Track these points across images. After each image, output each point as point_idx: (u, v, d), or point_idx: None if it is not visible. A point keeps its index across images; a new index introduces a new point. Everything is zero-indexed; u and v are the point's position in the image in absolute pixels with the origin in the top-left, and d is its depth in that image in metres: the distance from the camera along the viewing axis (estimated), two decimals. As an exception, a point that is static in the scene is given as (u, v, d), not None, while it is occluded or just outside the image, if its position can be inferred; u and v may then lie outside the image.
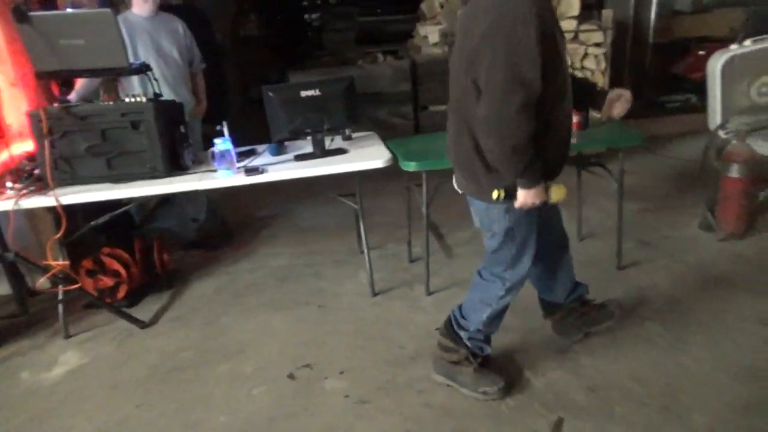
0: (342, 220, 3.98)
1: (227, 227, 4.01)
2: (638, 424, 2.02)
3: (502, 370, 2.31)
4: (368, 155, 2.93)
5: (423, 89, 5.47)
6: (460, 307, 2.30)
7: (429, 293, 3.06)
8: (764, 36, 3.65)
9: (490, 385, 2.21)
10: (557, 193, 1.97)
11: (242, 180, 2.78)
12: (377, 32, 9.76)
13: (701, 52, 6.25)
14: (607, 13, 4.75)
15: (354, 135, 3.30)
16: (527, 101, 1.73)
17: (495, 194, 1.94)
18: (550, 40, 1.74)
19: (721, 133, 3.57)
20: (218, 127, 2.85)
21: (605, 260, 3.23)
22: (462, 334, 2.26)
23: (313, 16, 13.00)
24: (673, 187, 4.30)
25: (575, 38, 4.67)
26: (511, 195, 1.93)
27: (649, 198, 4.10)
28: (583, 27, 4.64)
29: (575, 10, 4.70)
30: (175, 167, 2.85)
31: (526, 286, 2.29)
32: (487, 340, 2.29)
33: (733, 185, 3.29)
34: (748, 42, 3.64)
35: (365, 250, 3.10)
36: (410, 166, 2.80)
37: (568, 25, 4.59)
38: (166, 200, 3.74)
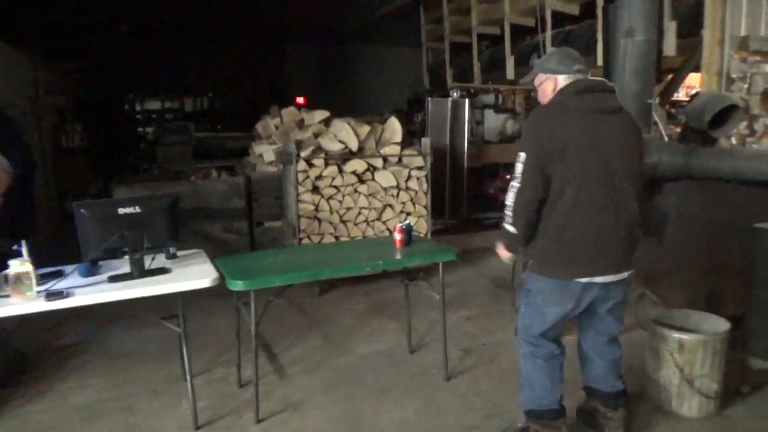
0: (163, 344, 3.65)
1: (22, 359, 3.46)
2: None
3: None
4: (193, 274, 2.80)
5: (258, 205, 5.51)
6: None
7: (258, 421, 2.86)
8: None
9: None
10: None
11: (41, 306, 2.46)
12: (215, 148, 9.82)
13: (509, 176, 7.20)
14: (426, 141, 5.30)
15: (180, 253, 3.14)
16: None
17: None
18: None
19: (525, 247, 4.04)
20: (15, 247, 2.55)
21: (434, 371, 3.34)
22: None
23: (149, 129, 12.81)
24: (489, 296, 4.70)
25: (399, 162, 5.10)
26: None
27: (470, 307, 4.42)
28: (406, 152, 5.10)
29: (398, 137, 5.18)
30: (-44, 293, 2.46)
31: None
32: None
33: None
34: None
35: (188, 378, 2.85)
36: (237, 285, 2.72)
37: (392, 150, 5.02)
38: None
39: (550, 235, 2.29)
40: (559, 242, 2.28)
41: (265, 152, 5.89)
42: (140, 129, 13.17)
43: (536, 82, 2.46)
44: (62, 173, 7.96)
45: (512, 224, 2.32)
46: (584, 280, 2.29)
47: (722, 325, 2.87)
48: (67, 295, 2.52)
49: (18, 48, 6.85)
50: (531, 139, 2.27)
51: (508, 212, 2.32)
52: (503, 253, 2.50)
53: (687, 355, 2.77)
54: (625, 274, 2.37)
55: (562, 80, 2.35)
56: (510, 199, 2.30)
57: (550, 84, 2.38)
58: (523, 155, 2.25)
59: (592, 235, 2.25)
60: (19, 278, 2.45)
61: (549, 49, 6.92)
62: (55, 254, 2.89)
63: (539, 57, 7.10)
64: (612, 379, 2.60)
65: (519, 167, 2.26)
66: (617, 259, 2.32)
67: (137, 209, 2.76)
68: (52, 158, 7.83)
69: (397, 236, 3.27)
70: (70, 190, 7.74)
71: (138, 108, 13.72)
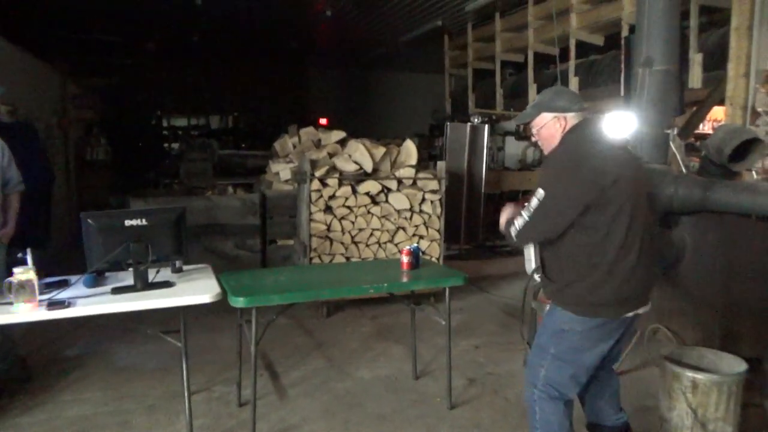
0: (165, 360, 3.64)
1: (24, 369, 3.46)
2: None
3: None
4: (195, 289, 2.78)
5: (272, 223, 5.51)
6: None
7: (254, 442, 2.81)
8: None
9: None
10: None
11: (42, 315, 2.47)
12: (236, 165, 9.93)
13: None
14: (441, 164, 5.27)
15: (187, 267, 3.14)
16: None
17: None
18: None
19: (536, 277, 3.94)
20: (20, 255, 2.57)
21: (437, 399, 3.25)
22: None
23: (174, 145, 13.05)
24: (499, 325, 4.59)
25: (414, 184, 5.08)
26: None
27: (478, 335, 4.32)
28: (421, 175, 5.08)
29: (413, 159, 5.16)
30: (-39, 299, 2.47)
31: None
32: None
33: (547, 324, 3.58)
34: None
35: (186, 394, 2.81)
36: (239, 302, 2.69)
37: (406, 172, 4.99)
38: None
39: (600, 275, 2.17)
40: (613, 280, 2.17)
41: (281, 170, 5.92)
42: (166, 144, 13.43)
43: (538, 122, 2.33)
44: (85, 185, 8.12)
45: (510, 236, 2.32)
46: (631, 314, 2.25)
47: (739, 365, 2.74)
48: (69, 305, 2.52)
49: (48, 63, 7.06)
50: (575, 179, 2.13)
51: (512, 230, 2.28)
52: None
53: (701, 396, 2.64)
54: (648, 307, 2.34)
55: (572, 118, 2.27)
56: (518, 224, 2.24)
57: (558, 123, 2.28)
58: (542, 192, 2.14)
59: (640, 268, 2.21)
60: (22, 286, 2.46)
61: (571, 79, 6.89)
62: (72, 264, 2.90)
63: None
64: (614, 412, 2.51)
65: (534, 202, 2.15)
66: (649, 290, 2.32)
67: (143, 222, 2.77)
68: (76, 171, 7.99)
69: (404, 259, 3.22)
70: (92, 202, 7.88)
71: (165, 124, 13.98)
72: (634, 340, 3.52)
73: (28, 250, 2.57)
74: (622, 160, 2.25)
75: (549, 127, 2.31)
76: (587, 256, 2.18)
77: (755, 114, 4.44)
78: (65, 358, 3.82)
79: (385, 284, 3.06)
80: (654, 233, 2.33)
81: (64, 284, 2.80)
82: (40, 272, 2.59)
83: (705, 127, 7.56)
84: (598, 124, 2.35)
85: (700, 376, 2.65)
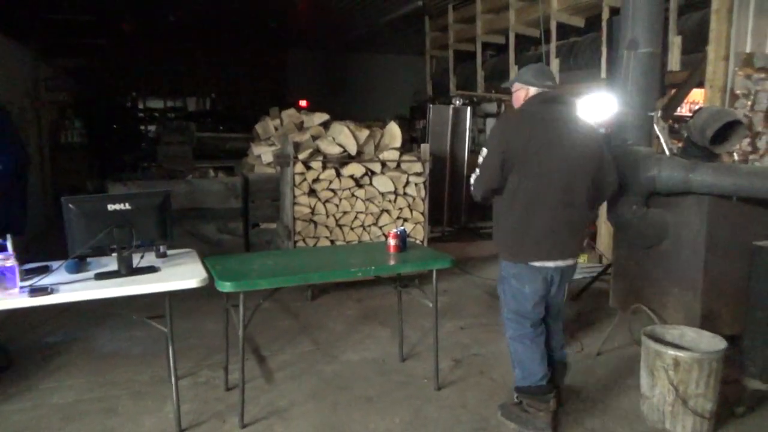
0: (150, 345, 3.61)
1: (5, 356, 3.40)
2: None
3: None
4: (181, 274, 2.74)
5: (254, 206, 5.46)
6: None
7: (243, 426, 2.81)
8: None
9: None
10: None
11: (25, 302, 2.41)
12: (215, 148, 9.81)
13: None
14: (425, 147, 5.26)
15: (171, 252, 3.09)
16: None
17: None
18: None
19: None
20: (0, 241, 2.50)
21: (425, 381, 3.28)
22: None
23: (151, 128, 12.78)
24: (483, 306, 4.63)
25: (398, 167, 5.06)
26: None
27: (463, 316, 4.36)
28: (405, 158, 5.06)
29: (397, 142, 5.14)
30: (-61, 286, 2.40)
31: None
32: None
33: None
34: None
35: (173, 379, 2.79)
36: (225, 287, 2.67)
37: (391, 155, 4.97)
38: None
39: (513, 225, 2.65)
40: (523, 231, 2.62)
41: (263, 153, 5.85)
42: (142, 127, 13.16)
43: (513, 88, 2.82)
44: (60, 170, 7.93)
45: (473, 190, 2.76)
46: (538, 264, 2.65)
47: (718, 343, 2.82)
48: (52, 291, 2.46)
49: (20, 44, 6.83)
50: (496, 138, 2.65)
51: (471, 182, 2.75)
52: None
53: (682, 373, 2.71)
54: (571, 261, 2.75)
55: (533, 91, 2.72)
56: (472, 178, 2.73)
57: (522, 93, 2.76)
58: (485, 150, 2.65)
59: (547, 225, 2.60)
60: (2, 273, 2.40)
61: (552, 60, 6.91)
62: (49, 251, 2.85)
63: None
64: (559, 348, 2.94)
65: (480, 159, 2.67)
66: (566, 247, 2.68)
67: (127, 206, 2.71)
68: (50, 155, 7.80)
69: (391, 242, 3.22)
70: (68, 186, 7.71)
71: (141, 106, 13.69)
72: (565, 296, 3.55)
73: (8, 236, 2.50)
74: (550, 128, 2.59)
75: (516, 95, 2.79)
76: (507, 207, 2.65)
77: (734, 96, 4.50)
78: (47, 345, 3.75)
79: (373, 267, 3.05)
80: (584, 201, 2.67)
81: (45, 270, 2.74)
82: (19, 258, 2.53)
83: (683, 110, 7.66)
84: (550, 99, 2.68)
85: (681, 354, 2.72)
